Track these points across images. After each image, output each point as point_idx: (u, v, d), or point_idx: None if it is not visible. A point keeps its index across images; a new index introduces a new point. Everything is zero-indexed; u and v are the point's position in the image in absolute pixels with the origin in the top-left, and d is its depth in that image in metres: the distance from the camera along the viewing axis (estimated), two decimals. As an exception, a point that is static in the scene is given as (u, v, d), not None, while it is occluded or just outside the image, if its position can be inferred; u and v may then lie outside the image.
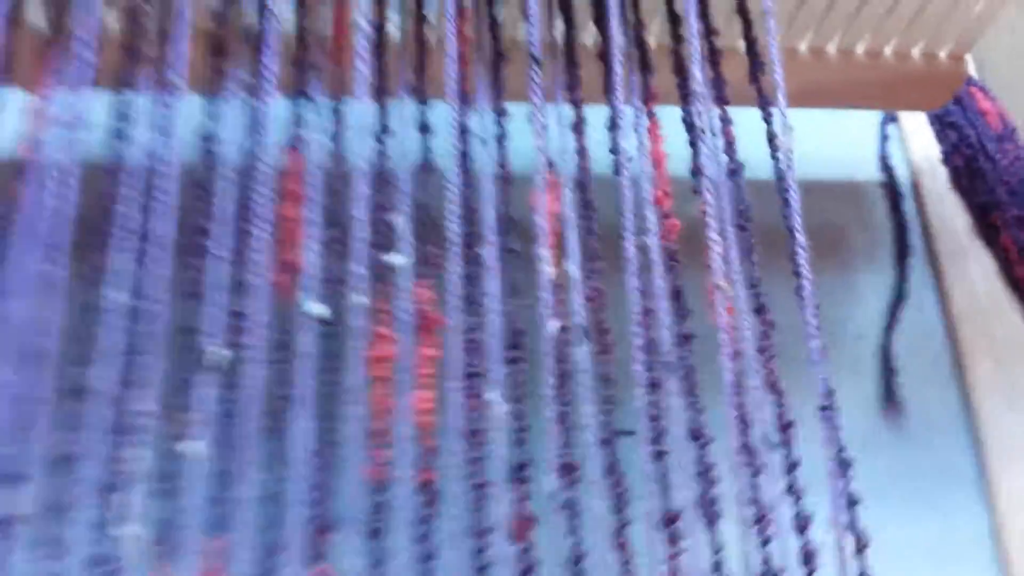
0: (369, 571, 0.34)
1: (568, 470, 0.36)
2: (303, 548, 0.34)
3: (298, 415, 0.35)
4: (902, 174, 0.61)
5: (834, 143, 0.60)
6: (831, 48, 0.54)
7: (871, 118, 0.63)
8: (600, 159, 0.42)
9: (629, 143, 0.41)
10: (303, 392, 0.35)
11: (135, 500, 0.33)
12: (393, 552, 0.34)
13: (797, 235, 0.40)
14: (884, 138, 0.61)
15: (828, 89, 0.54)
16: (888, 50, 0.54)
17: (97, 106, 0.39)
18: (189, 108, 0.39)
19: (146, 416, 0.34)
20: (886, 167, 0.61)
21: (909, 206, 0.59)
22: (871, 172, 0.61)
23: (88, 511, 0.33)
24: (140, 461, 0.34)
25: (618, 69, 0.42)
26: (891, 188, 0.60)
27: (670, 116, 0.43)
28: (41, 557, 0.32)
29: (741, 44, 0.46)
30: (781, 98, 0.41)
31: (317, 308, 0.37)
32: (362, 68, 0.39)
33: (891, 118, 0.63)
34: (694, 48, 0.42)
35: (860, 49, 0.54)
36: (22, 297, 0.35)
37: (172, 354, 0.36)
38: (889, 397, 0.53)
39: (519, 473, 0.36)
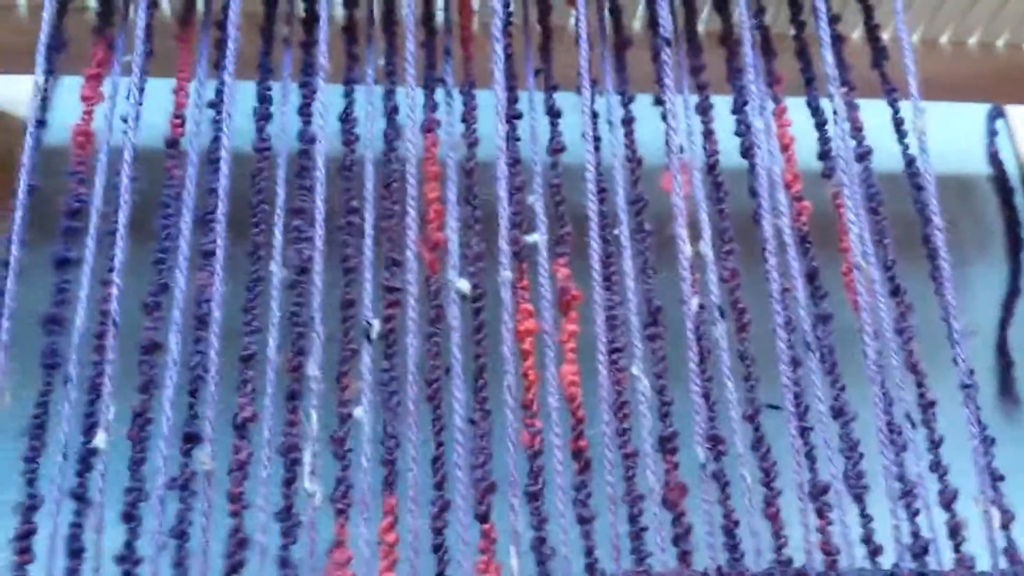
0: (531, 532, 0.37)
1: (715, 441, 0.39)
2: (468, 507, 0.37)
3: (453, 383, 0.39)
4: (1011, 168, 0.64)
5: (942, 137, 0.63)
6: (944, 40, 0.57)
7: (978, 112, 0.66)
8: (727, 148, 0.45)
9: (756, 126, 0.45)
10: (455, 362, 0.39)
11: (309, 459, 0.37)
12: (552, 515, 0.37)
13: (932, 217, 0.43)
14: (992, 132, 0.64)
15: (939, 82, 0.57)
16: (1000, 42, 0.57)
17: (243, 91, 0.44)
18: (326, 95, 0.43)
19: (314, 382, 0.38)
20: (995, 161, 0.64)
21: (1020, 200, 0.62)
22: (980, 166, 0.64)
23: (267, 470, 0.37)
24: (311, 423, 0.38)
25: (747, 51, 0.45)
26: (1001, 182, 0.63)
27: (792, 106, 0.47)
28: (225, 513, 0.36)
29: (858, 32, 0.50)
30: (913, 83, 0.44)
31: (462, 284, 0.41)
32: (498, 51, 0.43)
33: (998, 112, 0.66)
34: (821, 31, 0.45)
35: (972, 41, 0.57)
36: (185, 269, 0.40)
37: (333, 325, 0.40)
38: (1005, 390, 0.55)
39: (667, 443, 0.39)
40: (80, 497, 0.36)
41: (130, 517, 0.36)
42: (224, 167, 0.41)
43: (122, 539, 0.36)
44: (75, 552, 0.36)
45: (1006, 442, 0.53)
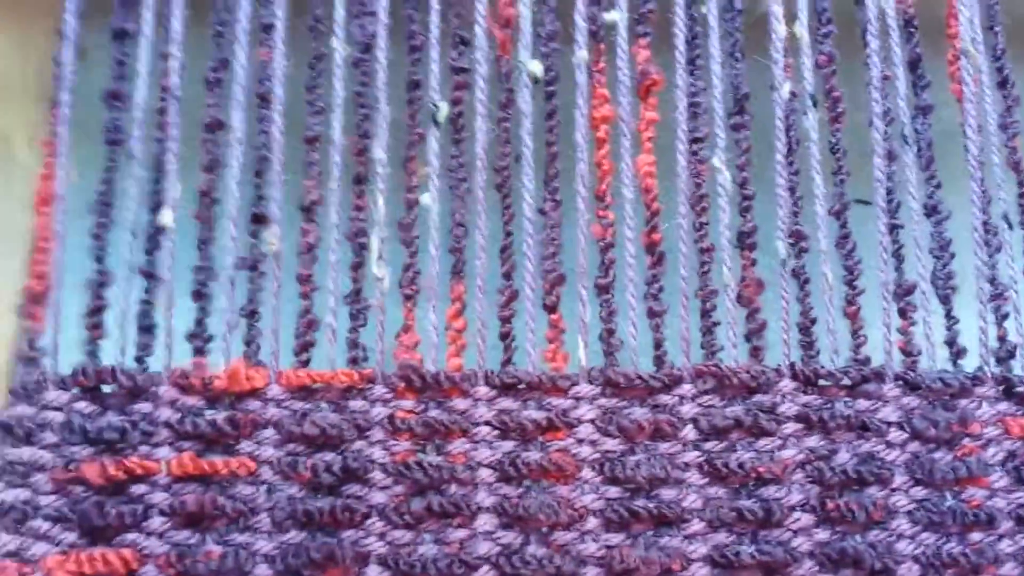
0: (600, 324, 0.38)
1: (798, 237, 0.39)
2: (536, 297, 0.38)
3: (523, 171, 0.38)
4: None
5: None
6: None
7: None
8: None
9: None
10: (526, 150, 0.39)
11: (376, 245, 0.38)
12: (623, 307, 0.38)
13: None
14: None
15: None
16: None
17: None
18: None
19: (380, 165, 0.38)
20: None
21: None
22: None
23: (335, 254, 0.37)
24: (381, 208, 0.38)
25: None
26: None
27: None
28: (295, 296, 0.38)
29: None
30: None
31: (534, 65, 0.40)
32: None
33: None
34: None
35: None
36: (245, 44, 0.39)
37: (400, 106, 0.39)
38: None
39: (746, 239, 0.39)
40: (149, 274, 0.37)
41: (200, 295, 0.37)
42: None
43: (192, 317, 0.37)
44: (146, 328, 0.37)
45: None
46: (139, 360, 0.37)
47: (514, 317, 0.38)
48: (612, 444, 0.36)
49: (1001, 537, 0.36)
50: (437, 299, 0.38)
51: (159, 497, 0.35)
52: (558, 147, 0.39)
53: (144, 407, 0.36)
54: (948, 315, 0.38)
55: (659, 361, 0.38)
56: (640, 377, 0.37)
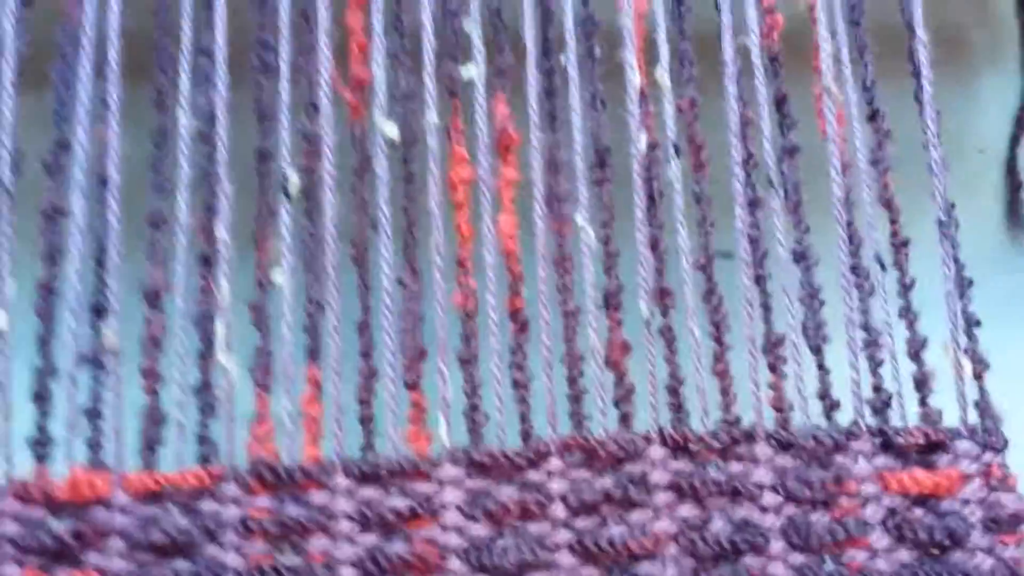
0: (464, 398, 0.36)
1: (663, 295, 0.37)
2: (397, 375, 0.36)
3: (380, 242, 0.37)
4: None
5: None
6: None
7: None
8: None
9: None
10: (383, 218, 0.37)
11: (222, 331, 0.36)
12: (487, 379, 0.36)
13: (916, 29, 0.39)
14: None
15: None
16: None
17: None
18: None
19: (227, 245, 0.37)
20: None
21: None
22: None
23: (180, 342, 0.36)
24: (226, 291, 0.36)
25: None
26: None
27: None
28: (138, 388, 0.36)
29: None
30: None
31: (389, 128, 0.38)
32: None
33: None
34: None
35: None
36: (86, 123, 0.37)
37: (246, 181, 0.37)
38: (1014, 214, 0.52)
39: (612, 299, 0.37)
40: (-15, 378, 0.35)
41: (40, 398, 0.35)
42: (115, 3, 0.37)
43: (33, 421, 0.35)
44: (-12, 434, 0.35)
45: (1012, 270, 0.51)
46: (-21, 471, 0.35)
47: (374, 398, 0.36)
48: (479, 529, 0.35)
49: (885, 599, 0.35)
50: (291, 384, 0.36)
51: (5, 619, 0.33)
52: (417, 213, 0.38)
53: (-16, 522, 0.34)
54: (820, 366, 0.37)
55: (526, 435, 0.36)
56: (506, 455, 0.35)
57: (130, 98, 0.38)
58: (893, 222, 0.39)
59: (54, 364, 0.36)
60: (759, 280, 0.37)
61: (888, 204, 0.39)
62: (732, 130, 0.38)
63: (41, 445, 0.35)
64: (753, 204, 0.38)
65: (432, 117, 0.38)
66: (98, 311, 0.36)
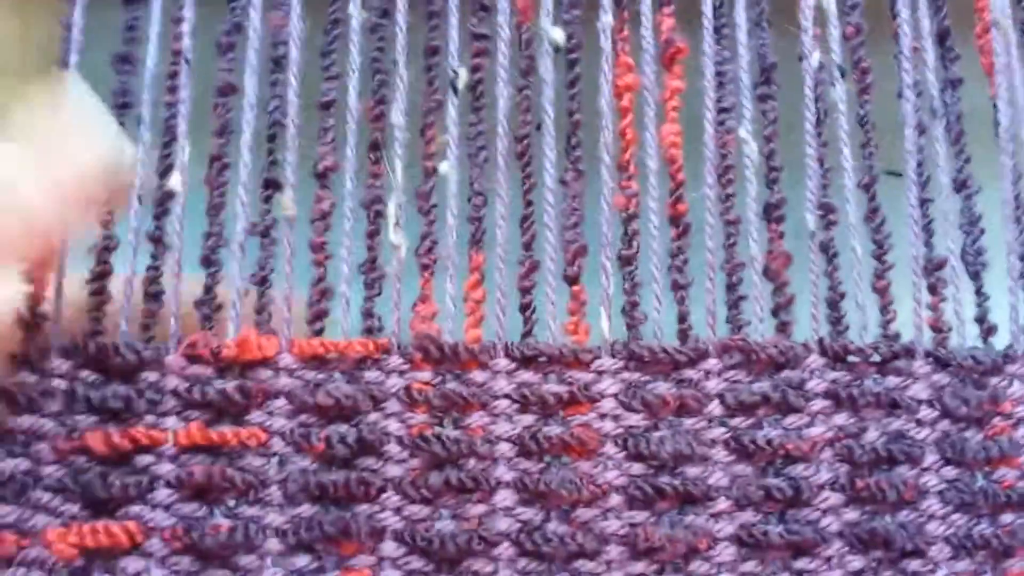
0: (624, 297, 0.37)
1: (827, 210, 0.37)
2: (557, 268, 0.36)
3: (544, 140, 0.37)
4: None
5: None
6: None
7: None
8: None
9: None
10: (547, 118, 0.37)
11: (393, 212, 0.37)
12: (647, 281, 0.37)
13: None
14: None
15: None
16: None
17: None
18: None
19: (398, 131, 0.37)
20: None
21: None
22: None
23: (350, 221, 0.36)
24: (399, 174, 0.37)
25: None
26: None
27: None
28: (307, 263, 0.36)
29: None
30: None
31: (555, 32, 0.39)
32: None
33: None
34: None
35: None
36: (259, 8, 0.38)
37: (418, 73, 0.38)
38: None
39: (773, 211, 0.37)
40: (157, 240, 0.36)
41: (209, 262, 0.36)
42: None
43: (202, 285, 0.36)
44: (153, 295, 0.36)
45: None
46: (145, 327, 0.36)
47: (535, 288, 0.37)
48: (635, 419, 0.35)
49: (1034, 518, 0.35)
50: (455, 269, 0.36)
51: (165, 468, 0.34)
52: (580, 116, 0.38)
53: (151, 376, 0.35)
54: (978, 291, 0.37)
55: (683, 335, 0.36)
56: (665, 351, 0.35)
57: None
58: (1053, 159, 0.39)
59: (223, 232, 0.36)
60: (923, 203, 0.37)
61: (1050, 139, 0.39)
62: (905, 56, 0.38)
63: (208, 307, 0.36)
64: (919, 130, 0.38)
65: (603, 22, 0.38)
66: (271, 184, 0.37)
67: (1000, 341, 0.37)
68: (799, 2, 0.39)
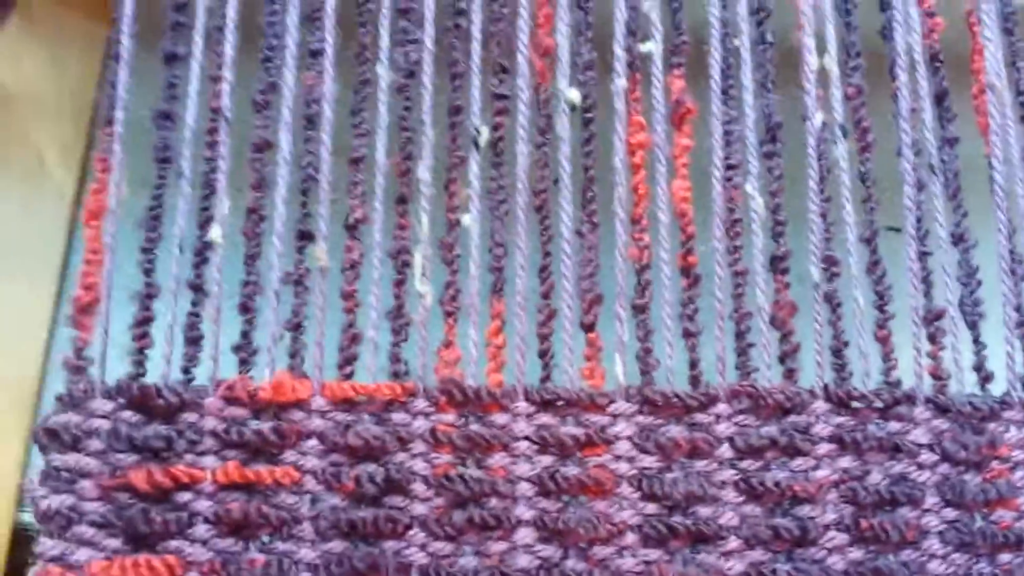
0: (637, 343, 0.39)
1: (830, 263, 0.39)
2: (574, 316, 0.38)
3: (561, 194, 0.40)
4: None
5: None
6: None
7: None
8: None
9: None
10: (563, 174, 0.40)
11: (420, 262, 0.39)
12: (659, 328, 0.39)
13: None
14: None
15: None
16: None
17: None
18: None
19: (424, 186, 0.39)
20: None
21: None
22: None
23: (378, 271, 0.38)
24: (425, 227, 0.39)
25: None
26: None
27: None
28: (338, 310, 0.38)
29: None
30: None
31: (572, 93, 0.41)
32: None
33: None
34: None
35: None
36: (293, 67, 0.40)
37: (442, 130, 0.40)
38: None
39: (779, 263, 0.40)
40: (197, 287, 0.38)
41: (246, 309, 0.38)
42: None
43: (238, 330, 0.38)
44: (193, 340, 0.38)
45: None
46: (185, 371, 0.38)
47: (552, 335, 0.39)
48: (649, 461, 0.37)
49: (1030, 558, 0.36)
50: (478, 316, 0.38)
51: (204, 505, 0.36)
52: (595, 172, 0.40)
53: (190, 417, 0.37)
54: (976, 340, 0.39)
55: (695, 381, 0.38)
56: (677, 396, 0.37)
57: (341, 49, 0.41)
58: (1046, 214, 0.41)
59: (259, 281, 0.39)
60: (922, 256, 0.39)
61: (1043, 197, 0.41)
62: (903, 116, 0.41)
63: (246, 352, 0.38)
64: (918, 186, 0.40)
65: (617, 85, 0.41)
66: (304, 235, 0.39)
67: (997, 388, 0.39)
68: (802, 64, 0.41)
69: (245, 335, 0.38)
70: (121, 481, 0.36)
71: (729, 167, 0.40)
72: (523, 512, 0.36)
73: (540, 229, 0.40)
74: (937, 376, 0.39)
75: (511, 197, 0.40)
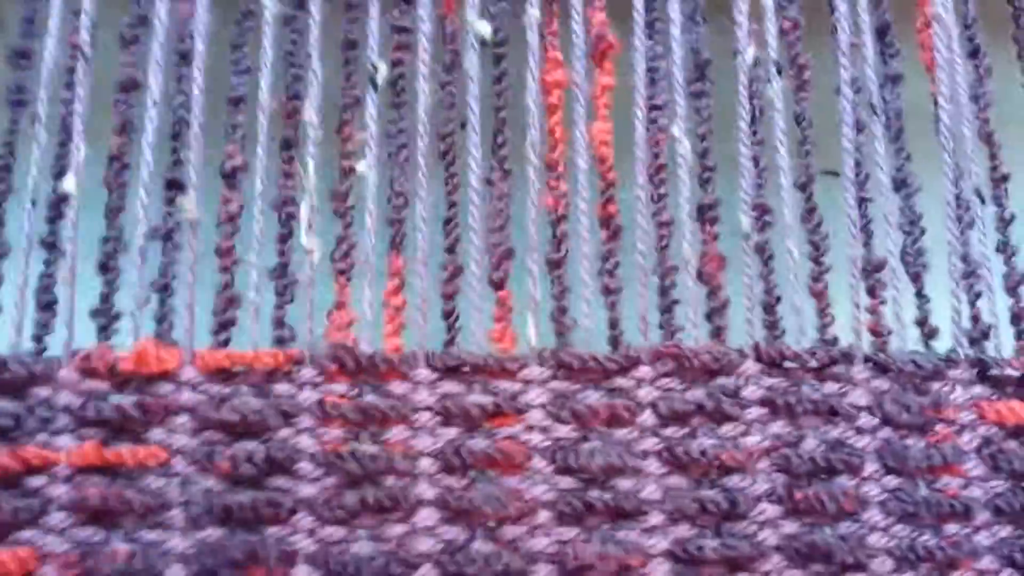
0: (552, 302, 0.35)
1: (762, 211, 0.36)
2: (482, 272, 0.35)
3: (469, 140, 0.36)
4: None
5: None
6: None
7: None
8: None
9: None
10: (471, 116, 0.36)
11: (307, 214, 0.35)
12: (576, 286, 0.35)
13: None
14: None
15: None
16: None
17: None
18: None
19: (312, 129, 0.35)
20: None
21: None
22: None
23: (259, 224, 0.34)
24: (311, 175, 0.35)
25: None
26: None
27: None
28: (213, 268, 0.34)
29: None
30: None
31: (481, 26, 0.37)
32: None
33: None
34: None
35: None
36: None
37: (334, 67, 0.36)
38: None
39: (707, 212, 0.36)
40: (51, 245, 0.34)
41: (107, 268, 0.34)
42: None
43: (98, 292, 0.34)
44: (46, 305, 0.33)
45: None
46: (38, 339, 0.33)
47: (458, 294, 0.35)
48: (564, 431, 0.33)
49: (978, 529, 0.34)
50: (374, 275, 0.34)
51: (59, 490, 0.32)
52: (507, 113, 0.37)
53: (43, 391, 0.32)
54: (919, 294, 0.36)
55: (615, 342, 0.35)
56: (595, 359, 0.34)
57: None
58: (993, 157, 0.38)
59: (123, 236, 0.34)
60: (861, 203, 0.36)
61: (988, 139, 0.38)
62: (843, 51, 0.37)
63: (106, 317, 0.34)
64: (857, 127, 0.37)
65: (530, 16, 0.37)
66: (173, 185, 0.35)
67: (942, 345, 0.36)
68: (731, -4, 0.38)
69: (105, 298, 0.34)
70: (-38, 466, 0.31)
71: (653, 107, 0.37)
72: (424, 491, 0.32)
73: (444, 177, 0.36)
74: (877, 332, 0.35)
75: (412, 142, 0.36)
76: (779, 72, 0.37)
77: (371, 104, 0.36)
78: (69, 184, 0.34)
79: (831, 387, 0.34)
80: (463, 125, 0.36)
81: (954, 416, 0.35)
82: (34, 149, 0.35)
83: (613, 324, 0.35)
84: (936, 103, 0.38)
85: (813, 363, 0.35)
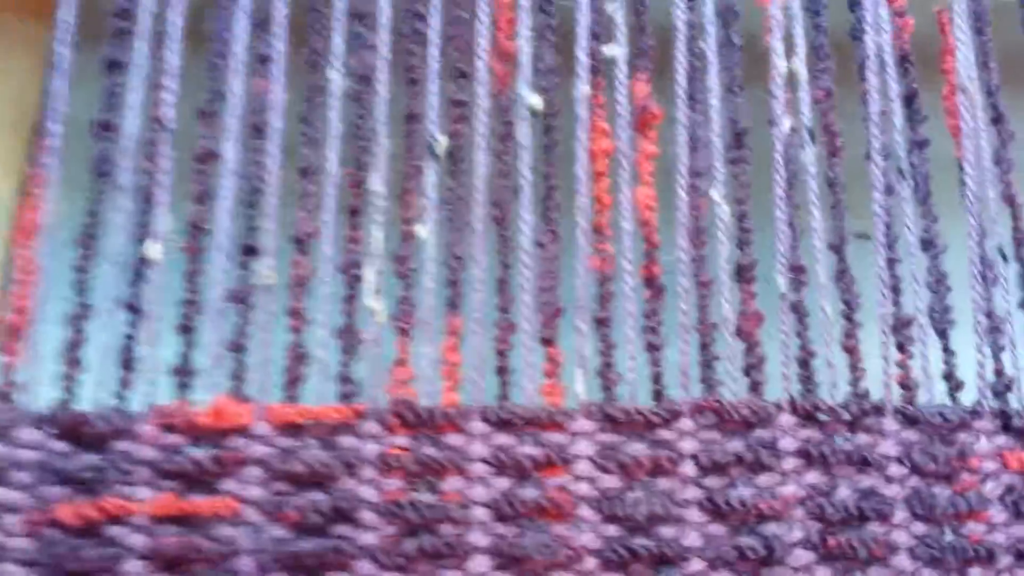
0: (599, 358, 0.37)
1: (797, 271, 0.38)
2: (533, 330, 0.37)
3: (521, 204, 0.38)
4: None
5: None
6: None
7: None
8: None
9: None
10: (523, 183, 0.38)
11: (372, 277, 0.37)
12: (621, 343, 0.37)
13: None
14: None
15: None
16: None
17: None
18: None
19: (377, 197, 0.38)
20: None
21: None
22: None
23: (327, 286, 0.37)
24: (377, 241, 0.37)
25: None
26: None
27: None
28: (284, 328, 0.37)
29: None
30: None
31: (533, 99, 0.40)
32: None
33: None
34: None
35: None
36: (242, 74, 0.39)
37: (397, 139, 0.39)
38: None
39: (745, 272, 0.38)
40: (132, 307, 0.36)
41: (185, 329, 0.37)
42: None
43: (177, 351, 0.37)
44: (128, 363, 0.36)
45: None
46: (119, 396, 0.36)
47: (511, 351, 0.37)
48: (610, 481, 0.36)
49: (1000, 572, 0.35)
50: (432, 333, 0.37)
51: (137, 539, 0.34)
52: (557, 180, 0.39)
53: (123, 445, 0.35)
54: (945, 348, 0.38)
55: (658, 395, 0.37)
56: (639, 412, 0.36)
57: (293, 55, 0.39)
58: (1015, 217, 0.40)
59: (200, 298, 0.37)
60: (891, 263, 0.38)
61: (1011, 201, 0.40)
62: (872, 119, 0.39)
63: (184, 375, 0.36)
64: (887, 191, 0.39)
65: (580, 90, 0.39)
66: (249, 250, 0.37)
67: (967, 397, 0.38)
68: (770, 68, 0.40)
69: (184, 357, 0.37)
70: (49, 516, 0.34)
71: (694, 174, 0.39)
72: (478, 539, 0.35)
73: (498, 240, 0.39)
74: (906, 386, 0.37)
75: (469, 208, 0.38)
76: (812, 139, 0.40)
77: (431, 173, 0.39)
78: (152, 250, 0.37)
79: (863, 438, 0.36)
80: (516, 192, 0.39)
81: (979, 465, 0.36)
82: (118, 216, 0.37)
83: (656, 379, 0.37)
84: (961, 167, 0.40)
85: (846, 416, 0.37)
